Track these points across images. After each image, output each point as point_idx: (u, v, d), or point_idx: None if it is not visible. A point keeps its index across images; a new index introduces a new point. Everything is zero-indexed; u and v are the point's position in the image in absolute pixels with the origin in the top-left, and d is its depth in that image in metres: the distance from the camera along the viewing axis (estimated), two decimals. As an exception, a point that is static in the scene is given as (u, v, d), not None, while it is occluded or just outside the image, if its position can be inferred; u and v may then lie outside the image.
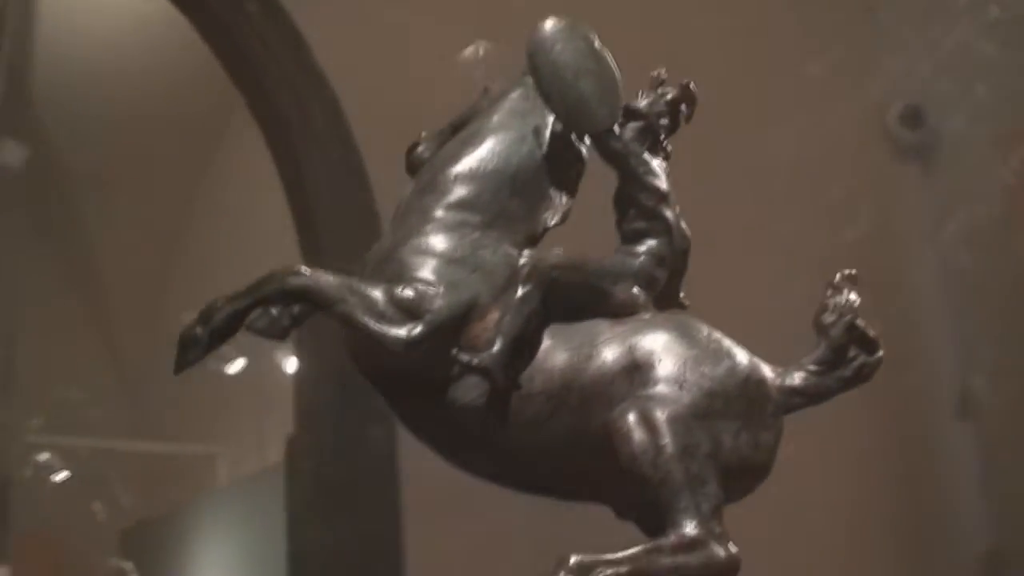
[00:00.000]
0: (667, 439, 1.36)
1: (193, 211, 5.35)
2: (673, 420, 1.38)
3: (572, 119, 1.56)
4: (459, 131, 1.62)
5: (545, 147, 1.57)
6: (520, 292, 1.45)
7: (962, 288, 3.26)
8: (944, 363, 3.31)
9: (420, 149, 1.64)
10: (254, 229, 4.34)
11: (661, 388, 1.40)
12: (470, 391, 1.43)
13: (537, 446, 1.43)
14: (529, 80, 1.60)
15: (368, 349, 1.44)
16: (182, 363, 1.42)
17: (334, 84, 3.09)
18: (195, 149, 5.08)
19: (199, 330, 1.41)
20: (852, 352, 1.48)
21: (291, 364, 3.55)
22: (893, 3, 3.52)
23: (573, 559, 1.30)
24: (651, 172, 1.55)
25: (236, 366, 4.49)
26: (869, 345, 1.48)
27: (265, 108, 3.21)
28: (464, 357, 1.42)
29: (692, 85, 1.60)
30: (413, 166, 1.64)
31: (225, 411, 4.91)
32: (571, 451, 1.43)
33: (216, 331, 1.41)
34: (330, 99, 3.10)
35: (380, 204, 2.91)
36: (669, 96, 1.60)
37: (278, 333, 1.43)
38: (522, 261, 1.49)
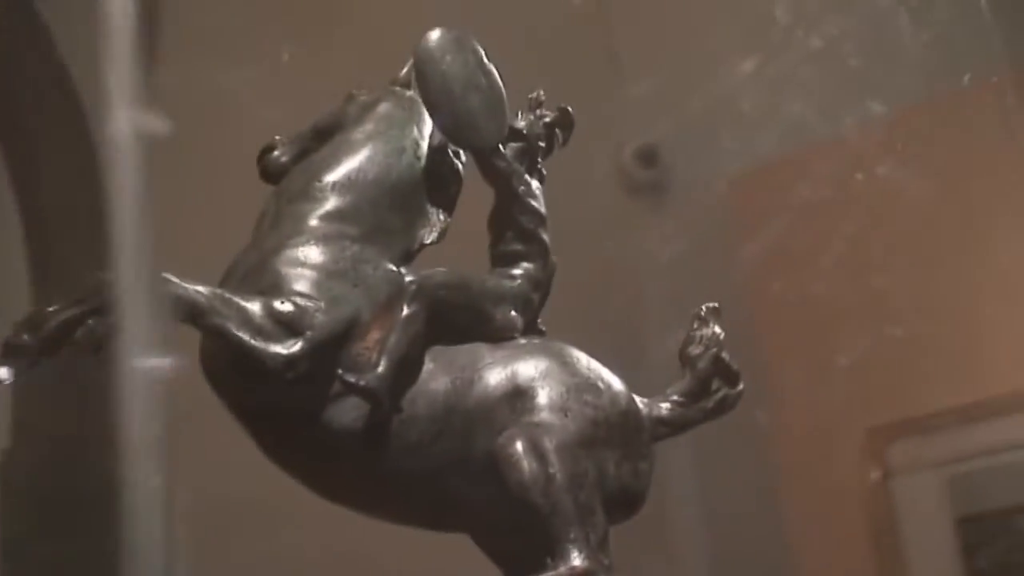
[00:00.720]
0: (556, 468, 1.34)
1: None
2: (561, 449, 1.36)
3: (459, 134, 1.51)
4: (323, 137, 1.55)
5: (423, 161, 1.51)
6: (406, 311, 1.38)
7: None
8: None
9: (276, 153, 1.57)
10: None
11: (546, 416, 1.39)
12: (348, 413, 1.36)
13: (417, 472, 1.37)
14: (399, 90, 1.57)
15: (236, 367, 1.33)
16: (8, 372, 1.29)
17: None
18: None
19: (27, 337, 1.28)
20: (715, 384, 1.51)
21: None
22: (633, 43, 3.65)
23: None
24: (531, 194, 1.54)
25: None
26: (732, 378, 1.51)
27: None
28: (349, 377, 1.34)
29: (570, 109, 1.60)
30: (270, 171, 1.56)
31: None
32: (452, 477, 1.38)
33: (48, 339, 1.28)
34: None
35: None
36: (548, 119, 1.59)
37: (94, 345, 1.31)
38: (408, 278, 1.43)
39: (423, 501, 1.42)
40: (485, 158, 1.54)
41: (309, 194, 1.47)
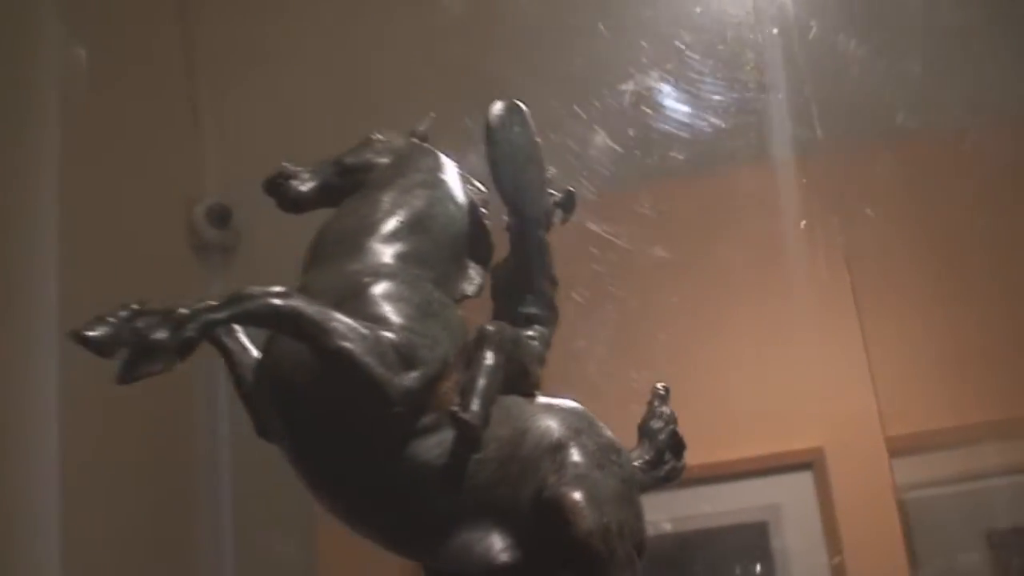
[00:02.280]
0: (610, 518, 1.44)
1: None
2: (608, 501, 1.45)
3: (517, 201, 1.57)
4: (349, 174, 1.58)
5: (468, 217, 1.55)
6: (490, 358, 1.42)
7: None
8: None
9: (296, 183, 1.58)
10: None
11: (586, 471, 1.47)
12: (431, 450, 1.36)
13: (476, 512, 1.41)
14: (426, 145, 1.61)
15: (332, 396, 1.31)
16: (141, 372, 1.21)
17: None
18: None
19: (165, 336, 1.21)
20: (667, 456, 1.64)
21: None
22: (214, 97, 3.58)
23: None
24: (552, 264, 1.59)
25: None
26: (680, 452, 1.65)
27: None
28: (455, 409, 1.36)
29: (574, 191, 1.63)
30: (290, 198, 1.57)
31: None
32: (504, 522, 1.43)
33: (187, 342, 1.22)
34: None
35: None
36: (556, 198, 1.62)
37: (112, 348, 1.22)
38: (488, 327, 1.45)
39: (459, 542, 1.43)
40: (531, 227, 1.60)
41: (377, 230, 1.47)
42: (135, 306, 1.25)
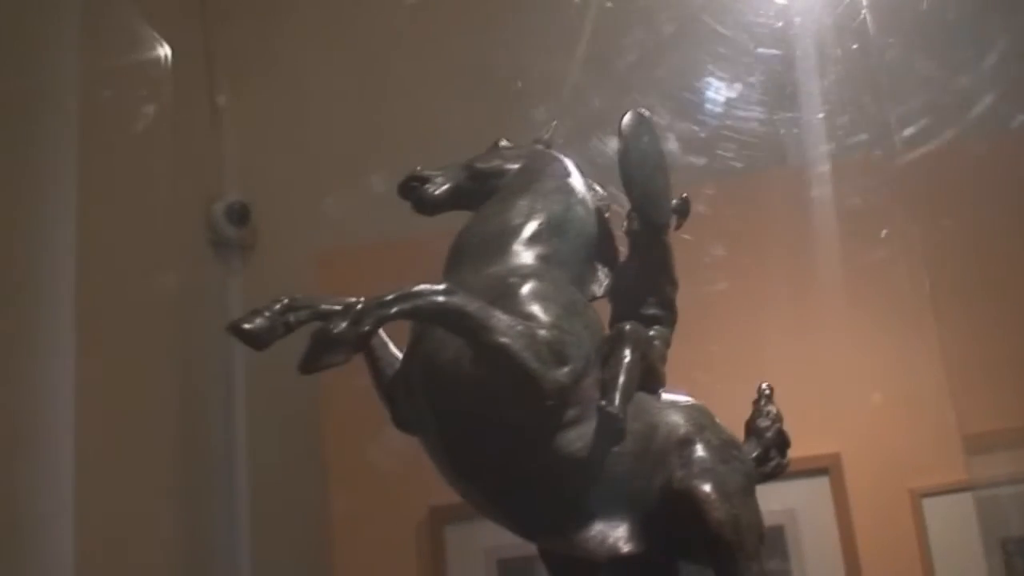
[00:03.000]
0: (740, 510, 1.51)
1: None
2: (738, 494, 1.52)
3: (647, 207, 1.62)
4: (481, 179, 1.64)
5: (596, 221, 1.62)
6: (629, 356, 1.48)
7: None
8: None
9: (430, 187, 1.62)
10: None
11: (710, 465, 1.53)
12: (574, 443, 1.42)
13: (609, 503, 1.46)
14: (552, 152, 1.67)
15: (486, 389, 1.36)
16: (323, 363, 1.28)
17: None
18: None
19: (344, 329, 1.29)
20: (772, 453, 1.71)
21: None
22: (234, 95, 3.59)
23: None
24: (673, 267, 1.68)
25: None
26: (785, 449, 1.72)
27: None
28: (603, 403, 1.42)
29: (688, 198, 1.69)
30: (425, 202, 1.62)
31: None
32: (632, 511, 1.48)
33: (364, 335, 1.30)
34: None
35: None
36: (673, 204, 1.68)
37: (267, 340, 1.31)
38: (626, 326, 1.52)
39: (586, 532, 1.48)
40: (658, 232, 1.65)
41: (522, 235, 1.53)
42: (286, 300, 1.34)
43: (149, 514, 2.96)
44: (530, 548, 3.01)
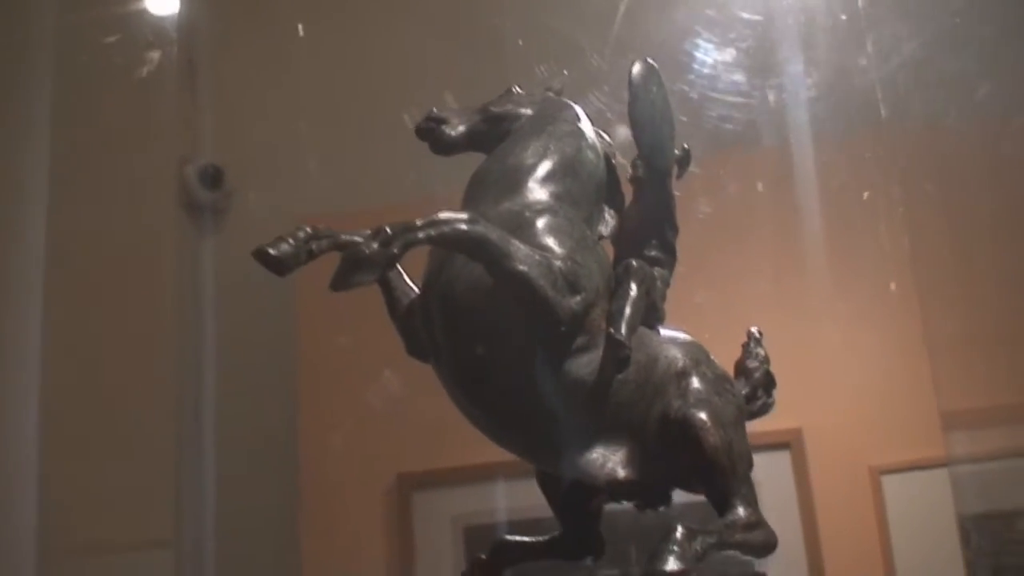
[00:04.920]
0: (733, 438, 1.58)
1: None
2: (731, 424, 1.59)
3: (654, 154, 1.69)
4: (496, 122, 1.69)
5: (604, 166, 1.68)
6: (635, 290, 1.56)
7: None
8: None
9: (447, 128, 1.67)
10: None
11: (705, 396, 1.59)
12: (583, 368, 1.50)
13: (612, 428, 1.53)
14: (562, 99, 1.73)
15: (503, 315, 1.43)
16: (353, 281, 1.36)
17: None
18: None
19: (377, 248, 1.35)
20: (759, 393, 1.78)
21: None
22: (208, 58, 3.56)
23: (680, 527, 1.45)
24: (675, 214, 1.75)
25: None
26: (771, 389, 1.80)
27: None
28: (611, 331, 1.49)
29: (690, 149, 1.78)
30: (443, 142, 1.67)
31: None
32: (634, 439, 1.55)
33: (393, 257, 1.37)
34: None
35: None
36: (679, 153, 1.77)
37: (291, 265, 1.37)
38: (633, 262, 1.60)
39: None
40: (664, 178, 1.72)
41: (537, 173, 1.59)
42: (309, 229, 1.40)
43: (115, 475, 2.97)
44: (496, 515, 3.05)
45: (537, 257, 1.45)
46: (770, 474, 2.92)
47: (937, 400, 2.91)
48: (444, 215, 1.42)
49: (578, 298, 1.48)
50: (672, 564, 1.43)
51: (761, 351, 1.84)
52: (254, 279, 3.23)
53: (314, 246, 1.40)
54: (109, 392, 3.03)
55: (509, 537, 1.70)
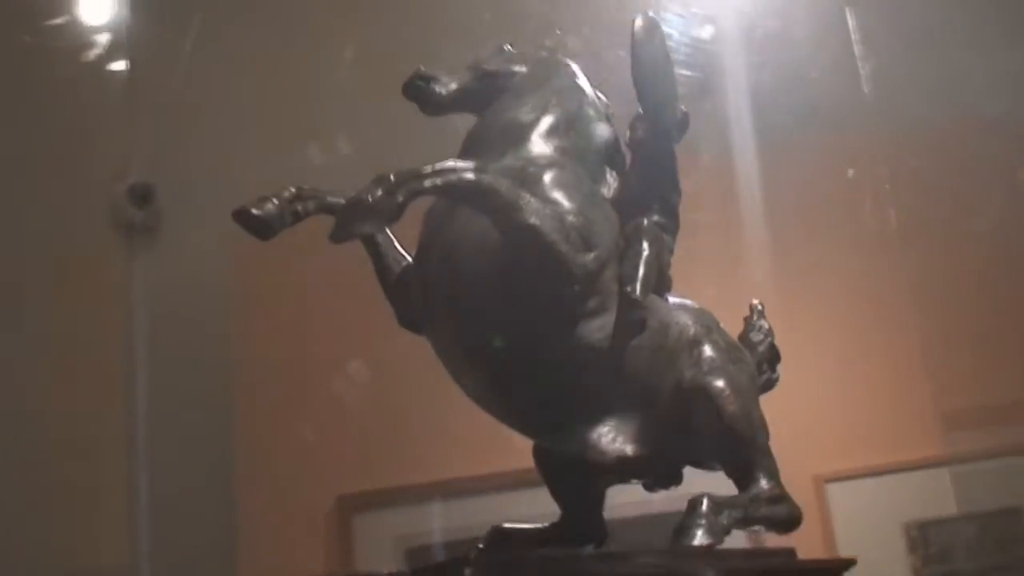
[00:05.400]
0: (751, 406, 1.53)
1: None
2: (748, 393, 1.54)
3: (657, 112, 1.59)
4: (488, 80, 1.60)
5: (604, 124, 1.59)
6: (647, 249, 1.48)
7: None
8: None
9: (437, 87, 1.57)
10: None
11: (720, 364, 1.52)
12: (595, 333, 1.41)
13: (630, 396, 1.45)
14: (560, 57, 1.65)
15: (512, 275, 1.34)
16: (356, 231, 1.27)
17: None
18: None
19: (381, 196, 1.24)
20: (764, 367, 1.71)
21: None
22: (140, 74, 3.51)
23: (707, 500, 1.39)
24: (678, 176, 1.65)
25: None
26: (775, 363, 1.74)
27: None
28: (629, 289, 1.41)
29: (688, 112, 1.67)
30: (432, 101, 1.57)
31: None
32: (647, 407, 1.47)
33: (398, 206, 1.26)
34: None
35: None
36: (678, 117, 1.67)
37: (276, 227, 1.29)
38: (644, 221, 1.52)
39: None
40: (666, 137, 1.63)
41: (540, 128, 1.50)
42: (294, 189, 1.32)
43: (39, 526, 2.90)
44: (438, 535, 3.00)
45: (549, 210, 1.35)
46: (715, 487, 2.91)
47: (884, 407, 2.92)
48: (450, 163, 1.33)
49: (592, 255, 1.38)
50: (700, 538, 1.36)
51: (765, 323, 1.77)
52: (187, 299, 3.22)
53: (300, 207, 1.31)
54: (36, 415, 2.95)
55: (507, 525, 1.58)
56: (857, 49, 2.99)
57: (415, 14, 3.25)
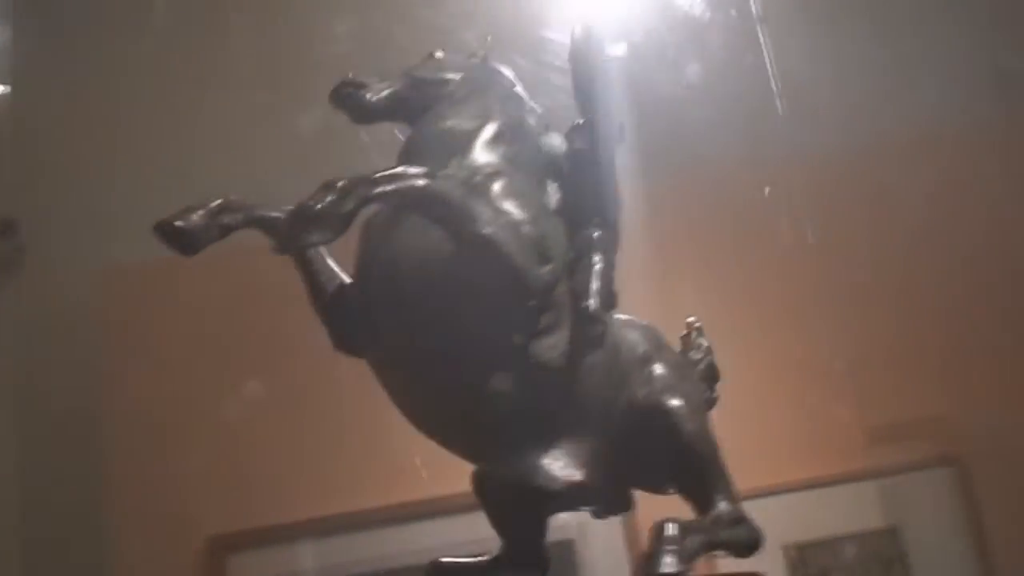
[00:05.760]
0: (706, 425, 1.50)
1: None
2: (700, 410, 1.51)
3: (597, 122, 1.54)
4: (420, 88, 1.54)
5: (548, 134, 1.55)
6: (599, 262, 1.43)
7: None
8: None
9: (368, 94, 1.51)
10: None
11: (672, 382, 1.49)
12: (548, 351, 1.36)
13: (576, 421, 1.39)
14: (492, 65, 1.60)
15: (462, 290, 1.27)
16: (303, 242, 1.18)
17: None
18: None
19: (330, 203, 1.16)
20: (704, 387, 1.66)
21: None
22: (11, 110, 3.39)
23: (674, 525, 1.34)
24: (618, 187, 1.59)
25: None
26: (714, 382, 1.70)
27: None
28: (588, 303, 1.37)
29: (624, 123, 1.63)
30: (361, 107, 1.51)
31: None
32: (599, 427, 1.42)
33: (347, 215, 1.20)
34: None
35: None
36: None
37: (202, 240, 1.21)
38: (596, 232, 1.46)
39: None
40: (607, 148, 1.57)
41: (483, 136, 1.44)
42: (221, 200, 1.25)
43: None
44: (316, 574, 2.95)
45: (503, 220, 1.30)
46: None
47: (769, 427, 2.95)
48: (398, 169, 1.26)
49: (548, 267, 1.34)
50: (670, 566, 1.31)
51: (704, 342, 1.73)
52: (54, 333, 3.11)
53: (228, 219, 1.24)
54: None
55: (444, 559, 1.52)
56: (770, 67, 3.01)
57: (287, 49, 3.22)
